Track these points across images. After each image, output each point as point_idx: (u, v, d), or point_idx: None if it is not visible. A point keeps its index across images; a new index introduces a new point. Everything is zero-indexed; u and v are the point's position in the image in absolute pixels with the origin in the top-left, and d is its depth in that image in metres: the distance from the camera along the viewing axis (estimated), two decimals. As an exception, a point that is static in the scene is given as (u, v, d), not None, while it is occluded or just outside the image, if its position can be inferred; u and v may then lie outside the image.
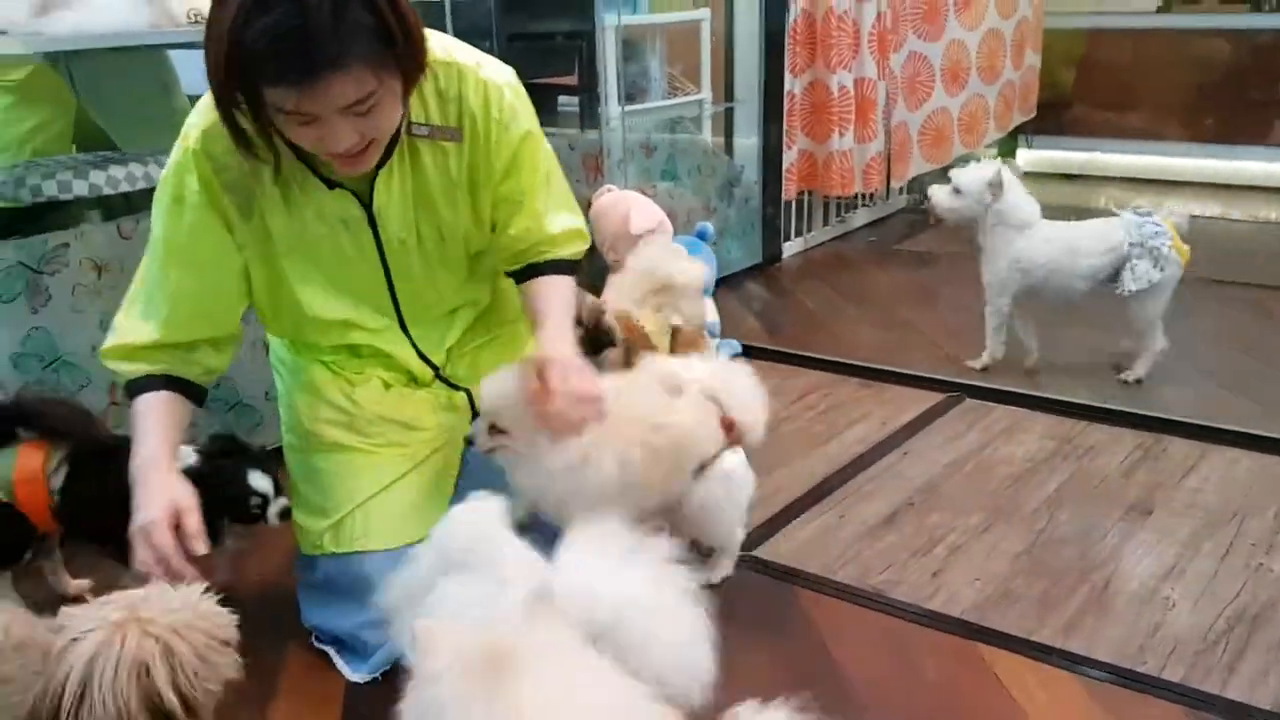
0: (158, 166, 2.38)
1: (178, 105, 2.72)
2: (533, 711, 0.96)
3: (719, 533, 1.85)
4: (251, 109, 1.36)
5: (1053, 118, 5.32)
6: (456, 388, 1.83)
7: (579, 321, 2.16)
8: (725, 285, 3.55)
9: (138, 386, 1.56)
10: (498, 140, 1.61)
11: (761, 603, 1.88)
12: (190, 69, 2.64)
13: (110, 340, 1.60)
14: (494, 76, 1.61)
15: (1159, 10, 5.08)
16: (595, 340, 2.25)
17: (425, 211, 1.64)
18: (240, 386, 2.34)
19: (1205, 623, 1.75)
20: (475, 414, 1.81)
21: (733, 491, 1.80)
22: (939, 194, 2.85)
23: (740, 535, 1.91)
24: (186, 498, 1.45)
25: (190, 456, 1.68)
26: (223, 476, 1.67)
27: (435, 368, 1.81)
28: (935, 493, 2.22)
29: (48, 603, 1.66)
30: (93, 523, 1.71)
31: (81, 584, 1.90)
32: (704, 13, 3.65)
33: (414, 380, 1.80)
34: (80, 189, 2.27)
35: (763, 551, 2.02)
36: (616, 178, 3.20)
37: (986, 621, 1.77)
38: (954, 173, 2.84)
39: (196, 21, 2.36)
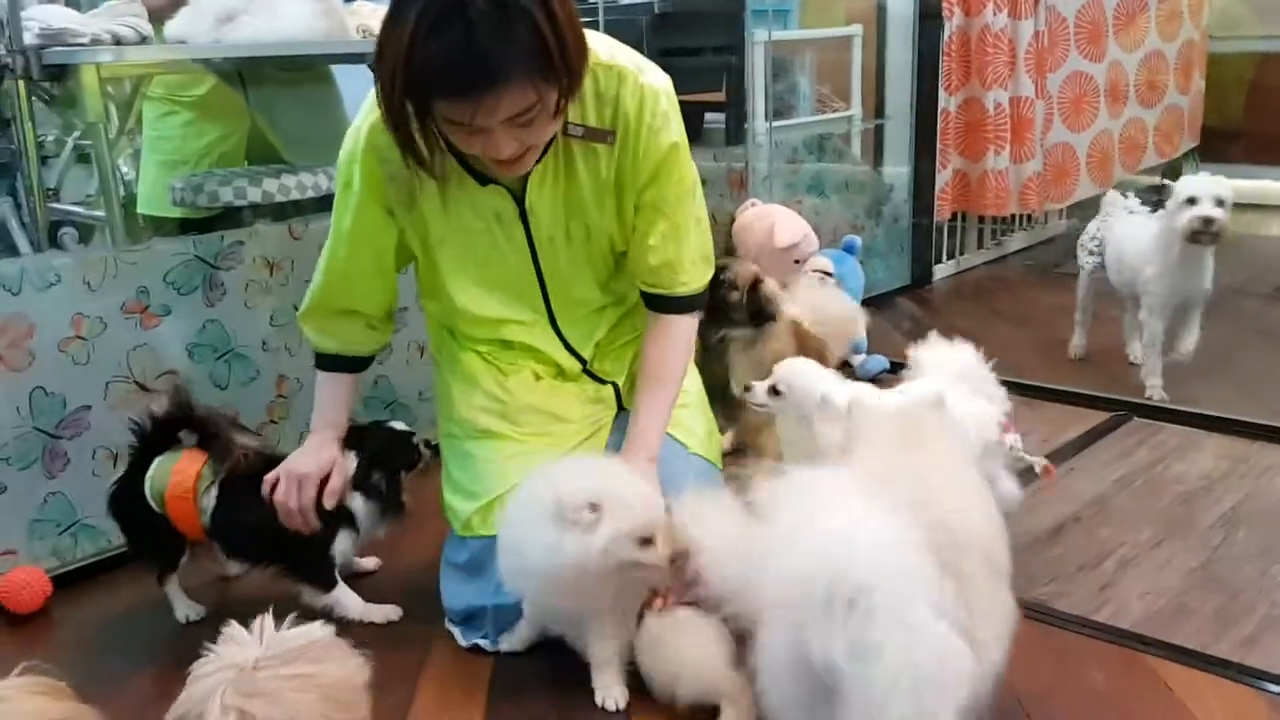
0: (325, 177, 2.50)
1: (341, 121, 2.84)
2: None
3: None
4: (419, 119, 1.46)
5: (1221, 144, 5.07)
6: (604, 381, 1.84)
7: (734, 287, 2.16)
8: (873, 304, 3.48)
9: (320, 362, 1.81)
10: (647, 145, 1.63)
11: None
12: (352, 82, 2.77)
13: (309, 301, 1.80)
14: (652, 82, 1.63)
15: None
16: (756, 313, 2.24)
17: (575, 210, 1.68)
18: (397, 386, 2.41)
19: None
20: (621, 407, 1.85)
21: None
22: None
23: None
24: (337, 460, 1.72)
25: (342, 458, 1.78)
26: (384, 442, 1.81)
27: (583, 361, 1.83)
28: (1104, 508, 2.11)
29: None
30: (243, 544, 1.78)
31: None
32: (855, 29, 3.63)
33: (562, 373, 1.83)
34: (254, 195, 2.39)
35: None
36: (762, 193, 3.19)
37: (1159, 634, 1.66)
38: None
39: (366, 37, 2.48)
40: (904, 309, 3.64)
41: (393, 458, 1.80)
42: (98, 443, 2.02)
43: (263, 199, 2.38)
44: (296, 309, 2.20)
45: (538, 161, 1.59)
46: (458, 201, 1.64)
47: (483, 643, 1.71)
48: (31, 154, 2.15)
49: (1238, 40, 4.92)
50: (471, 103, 1.38)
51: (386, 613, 1.81)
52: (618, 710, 1.54)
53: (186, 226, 2.51)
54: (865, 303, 3.29)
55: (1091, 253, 2.94)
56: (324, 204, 2.50)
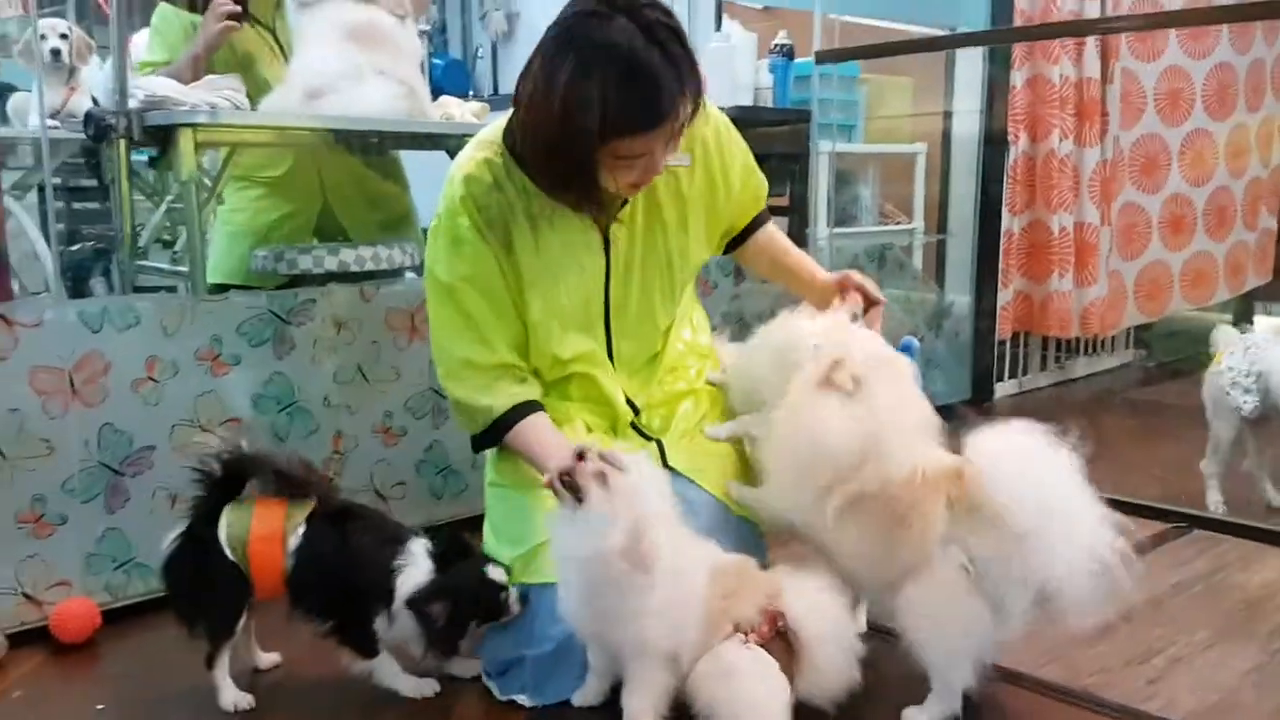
0: (400, 251, 2.61)
1: (406, 206, 2.98)
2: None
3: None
4: (589, 168, 1.57)
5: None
6: (649, 438, 1.87)
7: None
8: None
9: (510, 419, 1.73)
10: (730, 151, 1.83)
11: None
12: (418, 165, 2.90)
13: (449, 363, 1.75)
14: (714, 109, 1.81)
15: None
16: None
17: (655, 236, 1.79)
18: (451, 451, 2.45)
19: None
20: (665, 465, 1.84)
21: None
22: None
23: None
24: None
25: (424, 559, 1.66)
26: (469, 581, 1.66)
27: (635, 410, 1.87)
28: (1158, 609, 2.05)
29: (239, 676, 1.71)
30: (323, 593, 1.67)
31: (273, 657, 1.85)
32: (919, 147, 3.72)
33: (614, 426, 1.86)
34: (331, 264, 2.50)
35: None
36: (824, 297, 3.23)
37: (1211, 728, 1.60)
38: None
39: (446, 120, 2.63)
40: (964, 422, 3.60)
41: (473, 604, 1.66)
42: (158, 483, 2.08)
43: (338, 268, 2.48)
44: (360, 368, 2.31)
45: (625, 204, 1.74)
46: (549, 241, 1.73)
47: (520, 697, 1.69)
48: (126, 208, 2.28)
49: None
50: (653, 131, 1.53)
51: (420, 687, 1.72)
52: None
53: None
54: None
55: (1248, 390, 2.63)
56: (394, 275, 2.61)
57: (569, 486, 1.48)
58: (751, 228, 1.99)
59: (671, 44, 1.51)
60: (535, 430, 1.73)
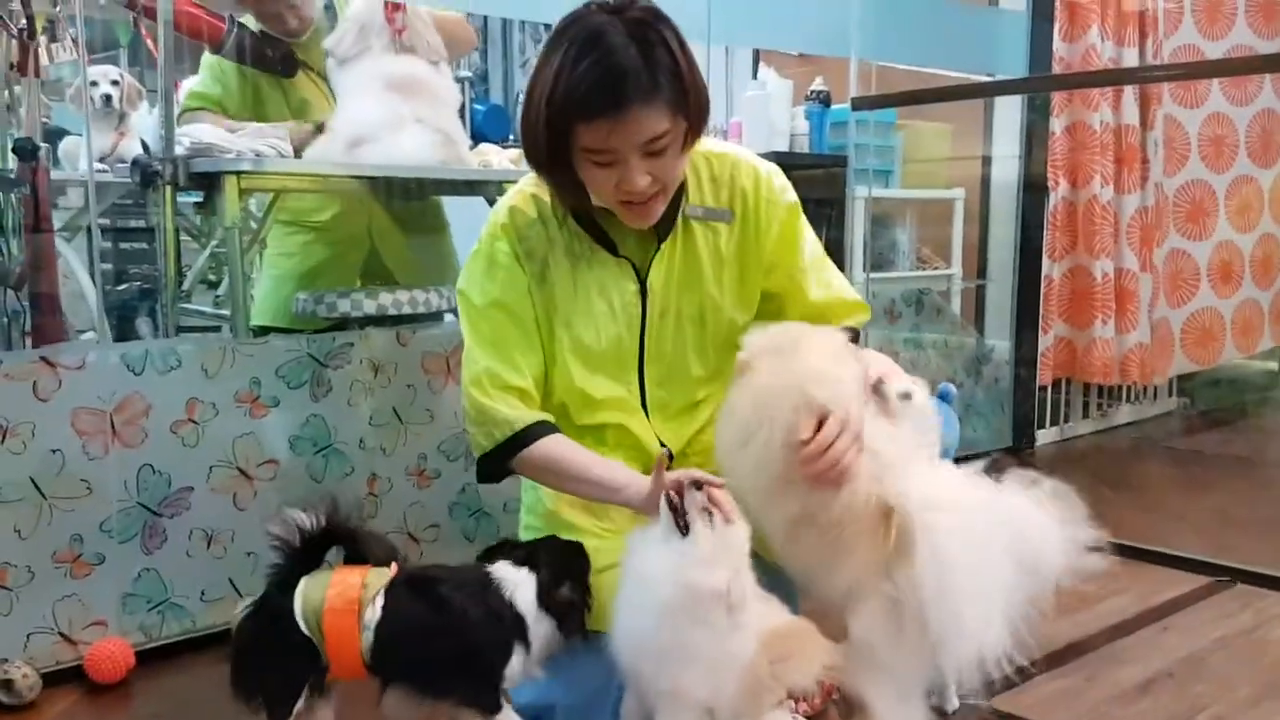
0: (437, 295, 2.64)
1: (449, 250, 3.02)
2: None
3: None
4: (563, 157, 1.54)
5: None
6: (682, 486, 1.85)
7: None
8: (970, 462, 3.42)
9: (531, 434, 1.66)
10: (768, 216, 1.74)
11: None
12: (456, 213, 2.94)
13: (477, 371, 1.68)
14: (764, 166, 1.76)
15: None
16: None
17: (692, 290, 1.75)
18: (483, 494, 2.46)
19: None
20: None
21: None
22: None
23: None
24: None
25: (514, 570, 1.56)
26: (560, 554, 1.60)
27: (671, 457, 1.84)
28: (1199, 665, 2.00)
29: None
30: (426, 662, 1.51)
31: None
32: (958, 192, 3.71)
33: (648, 472, 1.84)
34: (369, 308, 2.53)
35: (1001, 703, 1.87)
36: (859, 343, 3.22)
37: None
38: None
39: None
40: (1004, 469, 3.55)
41: (570, 568, 1.59)
42: (195, 524, 2.11)
43: (376, 311, 2.51)
44: (396, 411, 2.33)
45: (662, 240, 1.69)
46: (585, 279, 1.72)
47: None
48: (171, 251, 2.33)
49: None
50: (609, 124, 1.47)
51: None
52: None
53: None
54: (965, 458, 3.23)
55: None
56: (432, 319, 2.64)
57: (675, 510, 1.45)
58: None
59: (656, 48, 1.48)
60: (567, 447, 1.66)
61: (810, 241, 1.81)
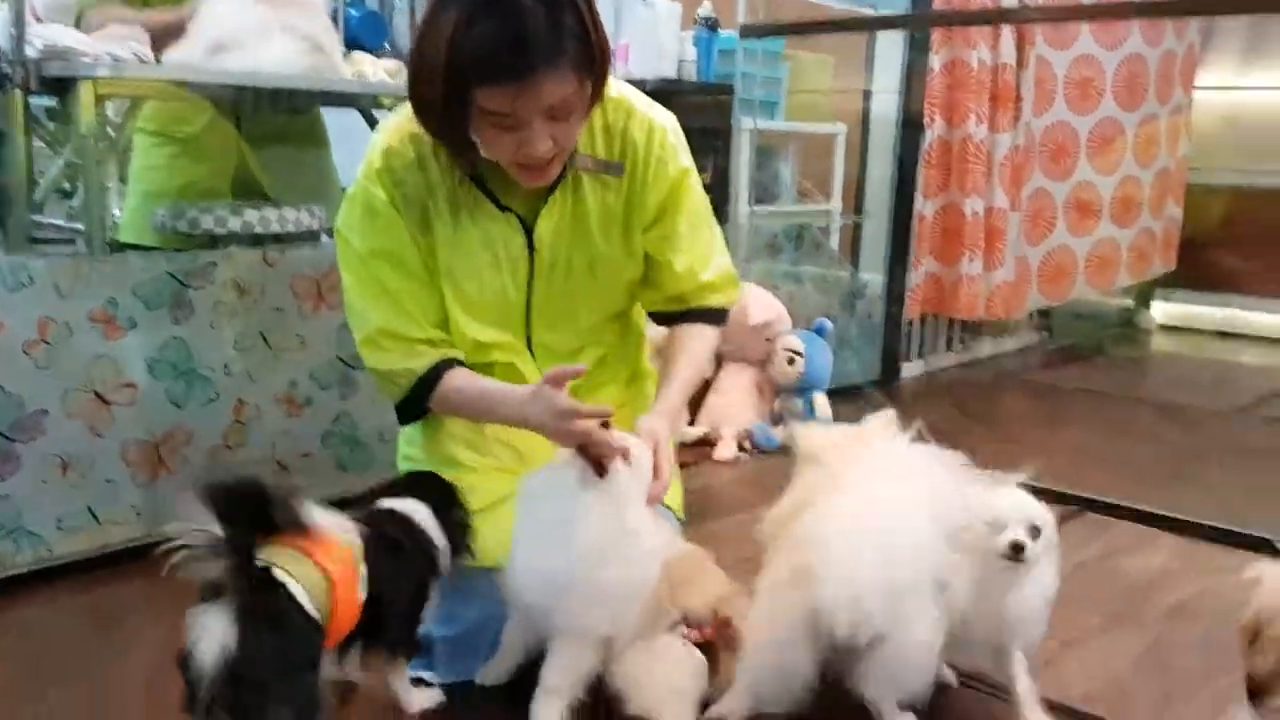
0: (308, 214, 2.53)
1: (328, 166, 2.90)
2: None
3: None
4: (458, 117, 1.45)
5: (1193, 273, 5.21)
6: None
7: None
8: (840, 395, 3.51)
9: (434, 375, 1.63)
10: (656, 175, 1.68)
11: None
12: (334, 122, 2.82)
13: (368, 330, 1.63)
14: (658, 117, 1.70)
15: (1308, 170, 4.98)
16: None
17: (581, 243, 1.70)
18: (360, 422, 2.40)
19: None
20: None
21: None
22: None
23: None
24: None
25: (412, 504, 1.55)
26: (428, 476, 1.64)
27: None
28: (1050, 593, 2.11)
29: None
30: (387, 616, 1.43)
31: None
32: (839, 127, 3.74)
33: None
34: (235, 225, 2.41)
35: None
36: (740, 274, 3.23)
37: (1098, 712, 1.65)
38: None
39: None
40: (871, 402, 3.66)
41: (447, 492, 1.61)
42: (50, 449, 2.00)
43: (243, 229, 2.40)
44: (263, 335, 2.25)
45: (550, 192, 1.63)
46: (469, 232, 1.65)
47: (426, 675, 1.66)
48: (22, 160, 2.17)
49: (1216, 173, 5.09)
50: (515, 89, 1.39)
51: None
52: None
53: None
54: (835, 391, 3.32)
55: None
56: (304, 239, 2.53)
57: (590, 454, 1.46)
58: (697, 316, 1.77)
59: (564, 9, 1.41)
60: (472, 379, 1.64)
61: (694, 211, 1.74)
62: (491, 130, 1.46)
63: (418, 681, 1.64)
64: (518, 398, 1.56)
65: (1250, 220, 5.11)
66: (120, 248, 2.60)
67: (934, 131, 3.78)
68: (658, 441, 1.56)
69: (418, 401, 1.65)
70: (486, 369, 1.75)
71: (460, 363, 1.67)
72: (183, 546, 1.19)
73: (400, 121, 1.64)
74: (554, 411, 1.48)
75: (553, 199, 1.65)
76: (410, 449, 1.83)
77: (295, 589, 1.24)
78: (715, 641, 1.55)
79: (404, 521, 1.52)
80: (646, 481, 1.51)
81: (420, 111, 1.51)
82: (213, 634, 1.17)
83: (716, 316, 1.79)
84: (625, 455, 1.47)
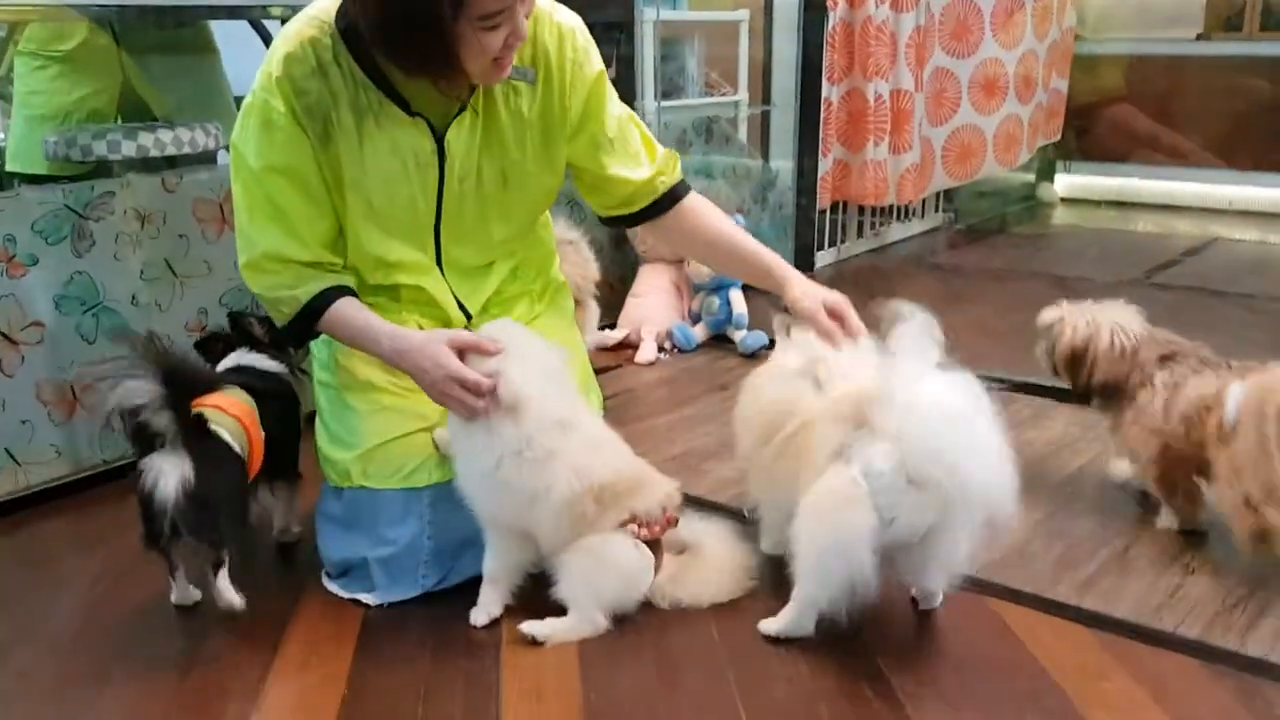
0: (204, 133, 2.46)
1: (220, 83, 2.81)
2: None
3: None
4: (450, 36, 1.43)
5: (1091, 143, 5.34)
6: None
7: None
8: (756, 290, 3.57)
9: (320, 304, 1.63)
10: (573, 79, 1.70)
11: (776, 561, 1.88)
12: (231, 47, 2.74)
13: (252, 254, 1.62)
14: (566, 19, 1.70)
15: (1199, 38, 5.09)
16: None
17: (493, 152, 1.70)
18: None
19: (1226, 587, 1.73)
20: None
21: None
22: None
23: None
24: (450, 335, 1.59)
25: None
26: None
27: (469, 316, 1.84)
28: (956, 468, 2.21)
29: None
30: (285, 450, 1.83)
31: None
32: (743, 14, 3.71)
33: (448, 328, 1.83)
34: (129, 150, 2.35)
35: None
36: (651, 172, 3.24)
37: (1001, 579, 1.76)
38: None
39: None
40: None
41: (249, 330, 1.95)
42: (-45, 394, 1.97)
43: (137, 153, 2.33)
44: (169, 263, 2.21)
45: (466, 100, 1.63)
46: (375, 141, 1.62)
47: (365, 597, 1.70)
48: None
49: (1107, 42, 5.18)
50: None
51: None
52: (488, 624, 1.62)
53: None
54: (747, 287, 3.37)
55: None
56: (200, 160, 2.47)
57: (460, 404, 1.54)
58: (661, 205, 1.83)
59: None
60: (358, 311, 1.64)
61: (616, 114, 1.78)
62: (483, 34, 1.46)
63: (355, 603, 1.69)
64: (408, 342, 1.58)
65: (1143, 89, 5.24)
66: (9, 178, 2.52)
67: (837, 14, 3.77)
68: (833, 301, 1.70)
69: (304, 327, 1.66)
70: (391, 291, 1.76)
71: (348, 290, 1.66)
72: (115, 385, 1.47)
73: (299, 28, 1.60)
74: (444, 373, 1.53)
75: (469, 107, 1.64)
76: (324, 373, 1.83)
77: (225, 434, 1.59)
78: (658, 543, 1.64)
79: (257, 372, 1.84)
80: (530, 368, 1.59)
81: (399, 45, 1.48)
82: (170, 472, 1.48)
83: (680, 191, 1.84)
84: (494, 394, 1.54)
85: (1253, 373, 1.75)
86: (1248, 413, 1.68)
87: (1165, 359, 1.91)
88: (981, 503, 1.46)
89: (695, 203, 1.86)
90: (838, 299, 1.71)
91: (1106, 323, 1.98)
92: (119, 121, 2.65)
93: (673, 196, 1.83)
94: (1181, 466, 1.84)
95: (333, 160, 1.62)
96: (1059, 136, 5.00)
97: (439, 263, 1.77)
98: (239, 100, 2.70)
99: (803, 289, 1.74)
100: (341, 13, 1.58)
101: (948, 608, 1.69)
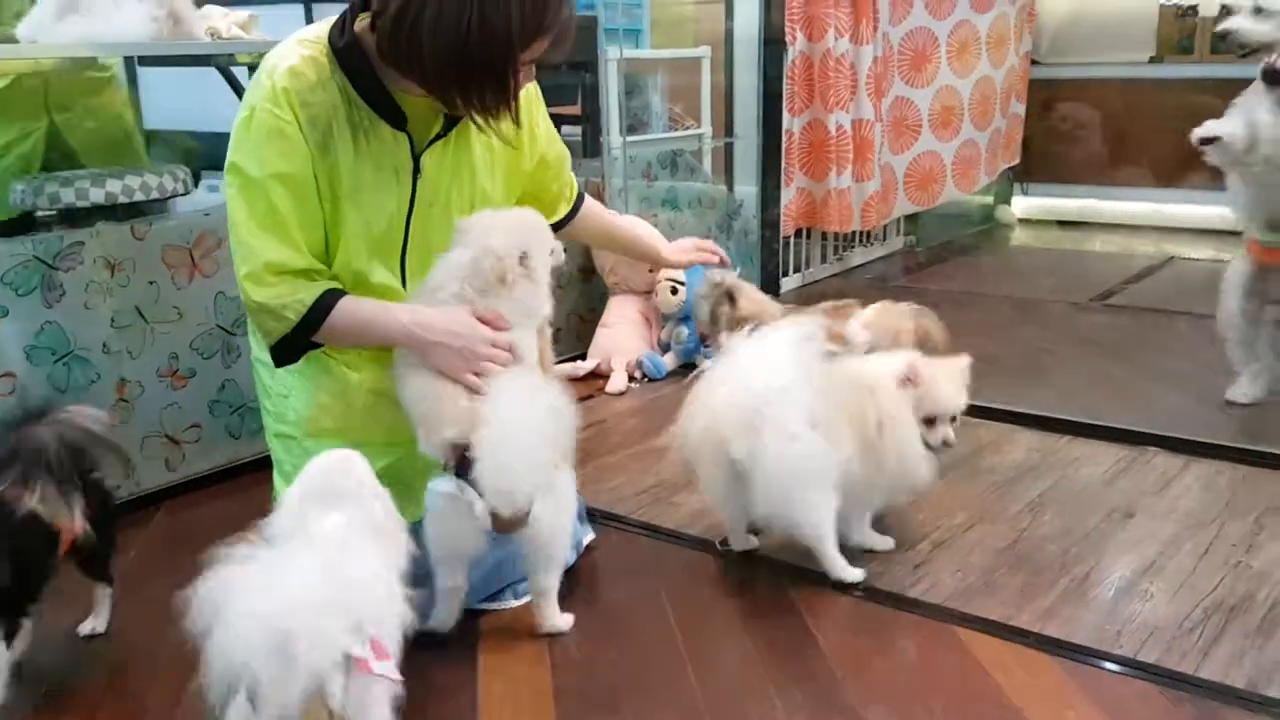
0: (171, 178, 2.48)
1: (131, 125, 2.84)
2: None
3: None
4: (512, 72, 1.57)
5: (1048, 166, 5.44)
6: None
7: None
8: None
9: (324, 304, 1.65)
10: (535, 113, 1.86)
11: (748, 590, 1.92)
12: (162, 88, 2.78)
13: (254, 265, 1.63)
14: None
15: (1151, 61, 5.21)
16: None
17: (464, 181, 1.79)
18: (244, 389, 2.40)
19: (1183, 612, 1.78)
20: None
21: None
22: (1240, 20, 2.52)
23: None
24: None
25: None
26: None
27: None
28: (920, 495, 2.26)
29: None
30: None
31: None
32: (704, 50, 3.77)
33: None
34: (97, 196, 2.35)
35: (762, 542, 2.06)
36: (618, 205, 3.29)
37: (967, 609, 1.81)
38: None
39: (215, 39, 2.49)
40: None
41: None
42: (-74, 447, 1.96)
43: (106, 200, 2.34)
44: (139, 310, 2.22)
45: (446, 132, 1.74)
46: (364, 153, 1.68)
47: None
48: None
49: (1061, 66, 5.30)
50: (554, 32, 1.59)
51: None
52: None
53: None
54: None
55: None
56: (163, 205, 2.49)
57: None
58: (571, 214, 2.08)
59: None
60: (360, 304, 1.68)
61: (554, 137, 1.97)
62: (522, 73, 1.60)
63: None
64: (430, 314, 1.66)
65: (1096, 110, 5.35)
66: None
67: (796, 48, 3.84)
68: (701, 241, 2.25)
69: (304, 333, 1.66)
70: None
71: (345, 292, 1.70)
72: None
73: (295, 48, 1.66)
74: (479, 334, 1.64)
75: (451, 134, 1.74)
76: (281, 425, 1.83)
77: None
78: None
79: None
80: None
81: (473, 82, 1.56)
82: None
83: (582, 197, 2.12)
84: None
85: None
86: None
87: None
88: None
89: (591, 206, 2.13)
90: (705, 241, 2.24)
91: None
92: (41, 170, 2.65)
93: (580, 201, 2.10)
94: None
95: (330, 171, 1.66)
96: (1018, 160, 5.10)
97: (403, 282, 1.80)
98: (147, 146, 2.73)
99: (674, 244, 2.23)
100: (338, 31, 1.66)
101: (914, 637, 1.74)
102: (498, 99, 1.59)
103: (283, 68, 1.62)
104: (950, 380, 1.98)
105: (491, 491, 1.58)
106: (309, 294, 1.64)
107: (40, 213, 2.44)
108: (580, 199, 2.10)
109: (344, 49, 1.64)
